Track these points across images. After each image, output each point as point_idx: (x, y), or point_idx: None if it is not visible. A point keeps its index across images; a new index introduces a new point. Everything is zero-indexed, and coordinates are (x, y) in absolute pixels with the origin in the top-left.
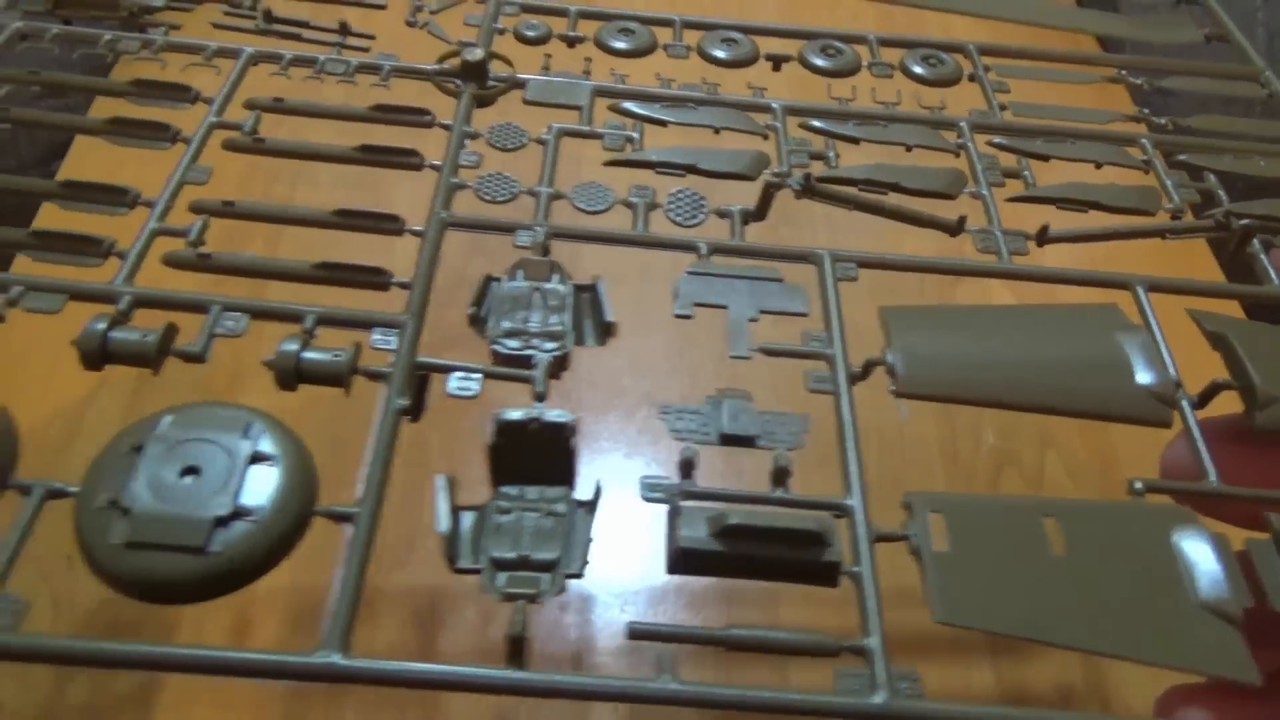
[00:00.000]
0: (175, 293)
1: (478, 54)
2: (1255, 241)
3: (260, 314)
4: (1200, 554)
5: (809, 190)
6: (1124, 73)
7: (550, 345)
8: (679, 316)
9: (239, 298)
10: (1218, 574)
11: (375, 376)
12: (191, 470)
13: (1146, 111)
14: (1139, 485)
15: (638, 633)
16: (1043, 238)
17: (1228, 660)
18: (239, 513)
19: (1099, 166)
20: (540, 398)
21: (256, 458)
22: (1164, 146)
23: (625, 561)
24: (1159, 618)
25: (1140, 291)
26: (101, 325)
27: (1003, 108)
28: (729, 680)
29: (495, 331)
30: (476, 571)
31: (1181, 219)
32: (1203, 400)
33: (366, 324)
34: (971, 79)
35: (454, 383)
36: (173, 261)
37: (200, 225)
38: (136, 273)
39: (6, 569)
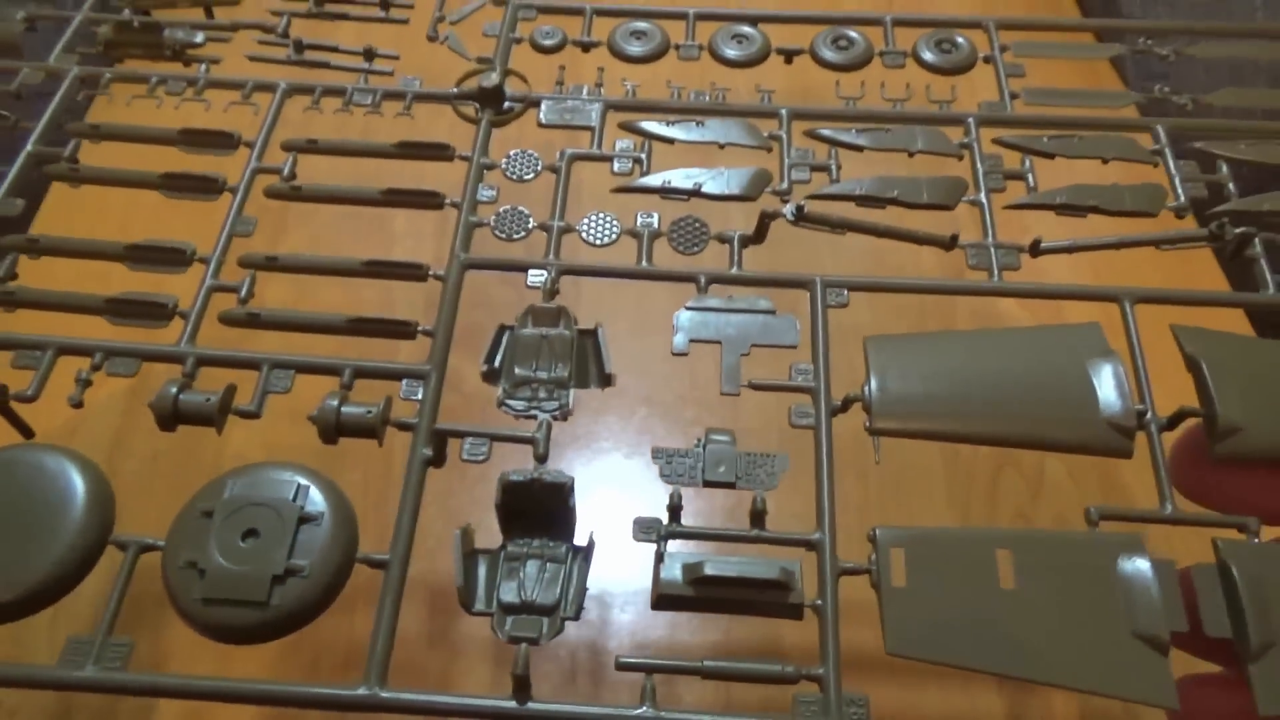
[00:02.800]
0: (232, 353)
1: (493, 79)
2: (1257, 243)
3: (304, 369)
4: (1140, 582)
5: (801, 219)
6: (1149, 42)
7: (551, 405)
8: (675, 354)
9: (285, 354)
10: (1153, 602)
11: (404, 427)
12: (252, 533)
13: (1166, 89)
14: (1093, 513)
15: (624, 665)
16: (1035, 250)
17: (1152, 688)
18: (291, 570)
19: (1106, 162)
20: (542, 459)
21: (304, 519)
22: (1178, 132)
23: (625, 563)
24: (1095, 646)
25: (1126, 305)
26: (173, 390)
27: (1014, 95)
28: (728, 693)
29: (503, 393)
30: (489, 614)
31: (1185, 216)
32: (1171, 425)
33: (396, 376)
34: (987, 60)
35: (466, 449)
36: (228, 320)
37: (249, 281)
38: (198, 331)
39: (114, 617)
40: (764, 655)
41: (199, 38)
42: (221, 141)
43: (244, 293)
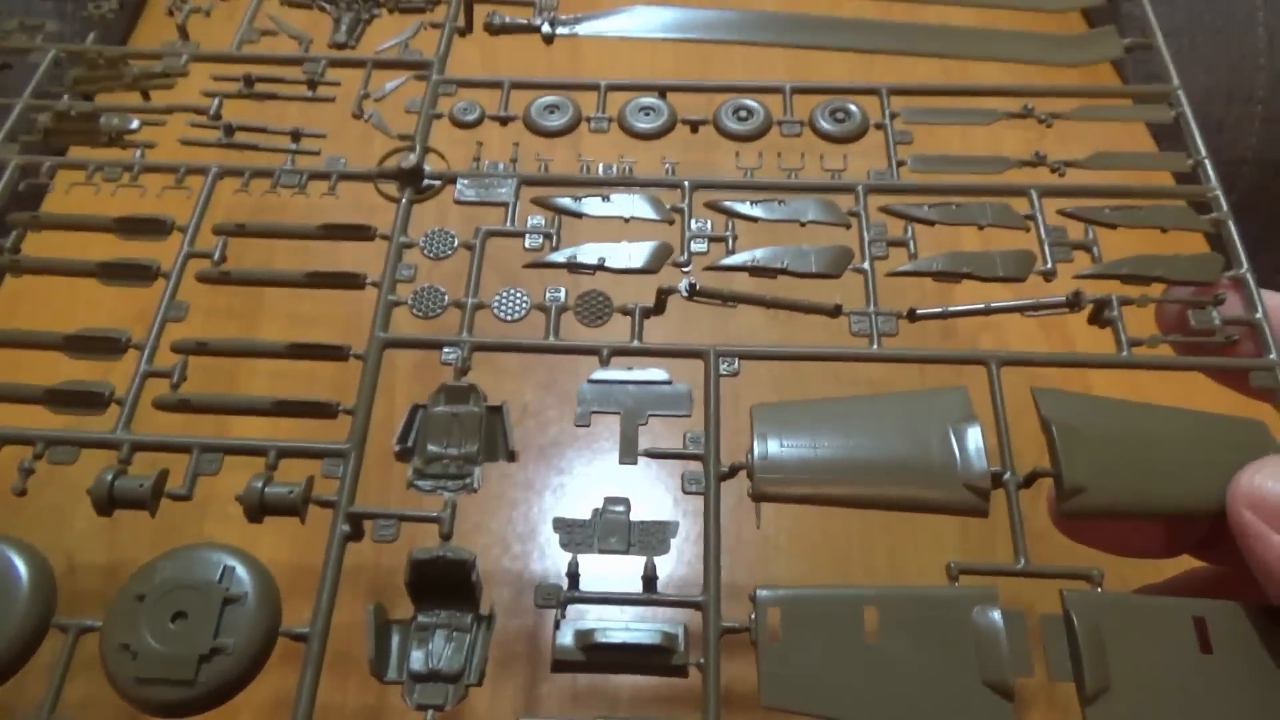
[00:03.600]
0: (164, 437)
1: (412, 160)
2: (1114, 305)
3: (232, 451)
4: (991, 633)
5: (694, 295)
6: (1029, 107)
7: (455, 484)
8: (578, 425)
9: (213, 439)
10: (1002, 651)
11: (324, 505)
12: (180, 615)
13: (1042, 155)
14: (953, 568)
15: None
16: (913, 316)
17: None
18: (217, 649)
19: (981, 229)
20: (446, 537)
21: (229, 599)
22: (1051, 196)
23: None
24: (948, 697)
25: (993, 368)
26: (108, 477)
27: (901, 163)
28: None
29: (413, 472)
30: (399, 683)
31: (1052, 280)
32: (1027, 483)
33: (317, 455)
34: (879, 127)
35: (377, 531)
36: (161, 405)
37: (181, 365)
38: (134, 417)
39: (56, 697)
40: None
41: (134, 123)
42: (155, 228)
43: (176, 378)
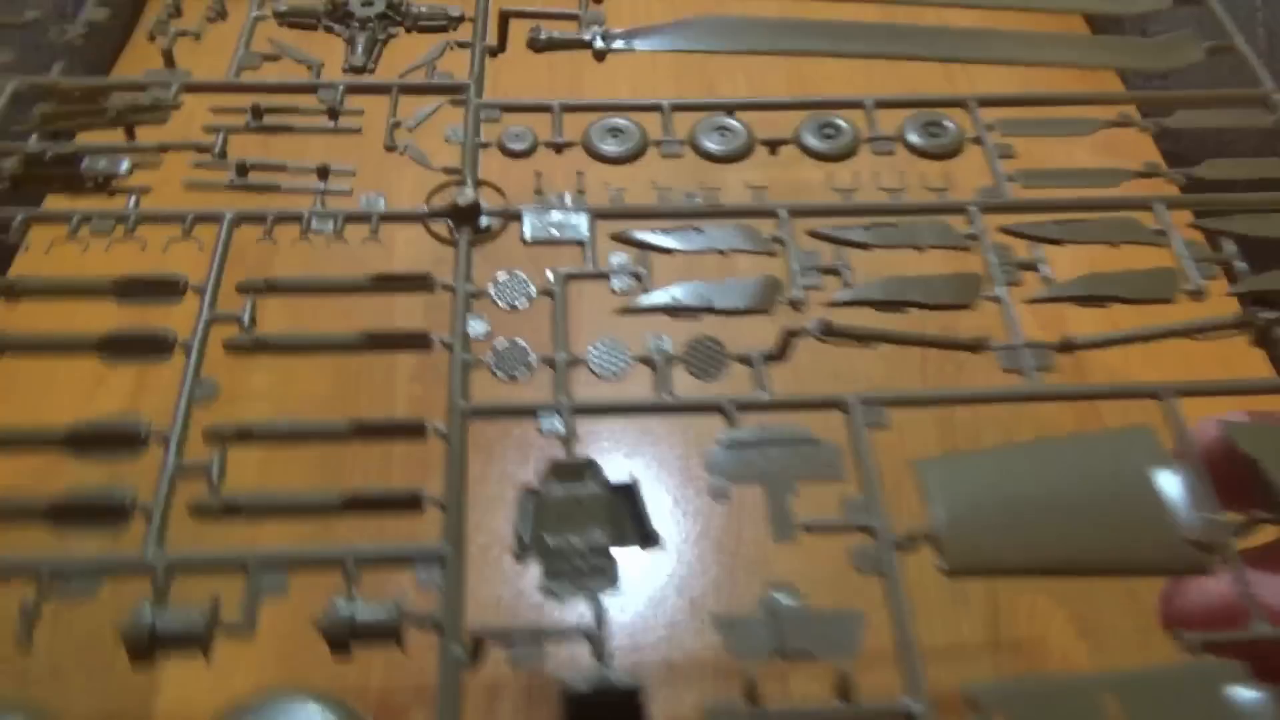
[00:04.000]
0: (211, 554)
1: (469, 196)
2: None
3: (300, 564)
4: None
5: (828, 333)
6: (1126, 114)
7: (599, 581)
8: (716, 500)
9: (273, 548)
10: None
11: (428, 624)
12: None
13: (1156, 164)
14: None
15: None
16: (1068, 347)
17: None
18: None
19: (1115, 246)
20: (603, 656)
21: None
22: (1178, 207)
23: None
24: None
25: (1171, 403)
26: (147, 612)
27: (1009, 178)
28: None
29: (544, 576)
30: None
31: (1201, 298)
32: (1240, 531)
33: (406, 559)
34: (975, 141)
35: (515, 653)
36: (200, 512)
37: (219, 459)
38: (164, 534)
39: None
40: None
41: (124, 165)
42: (165, 289)
43: (215, 475)
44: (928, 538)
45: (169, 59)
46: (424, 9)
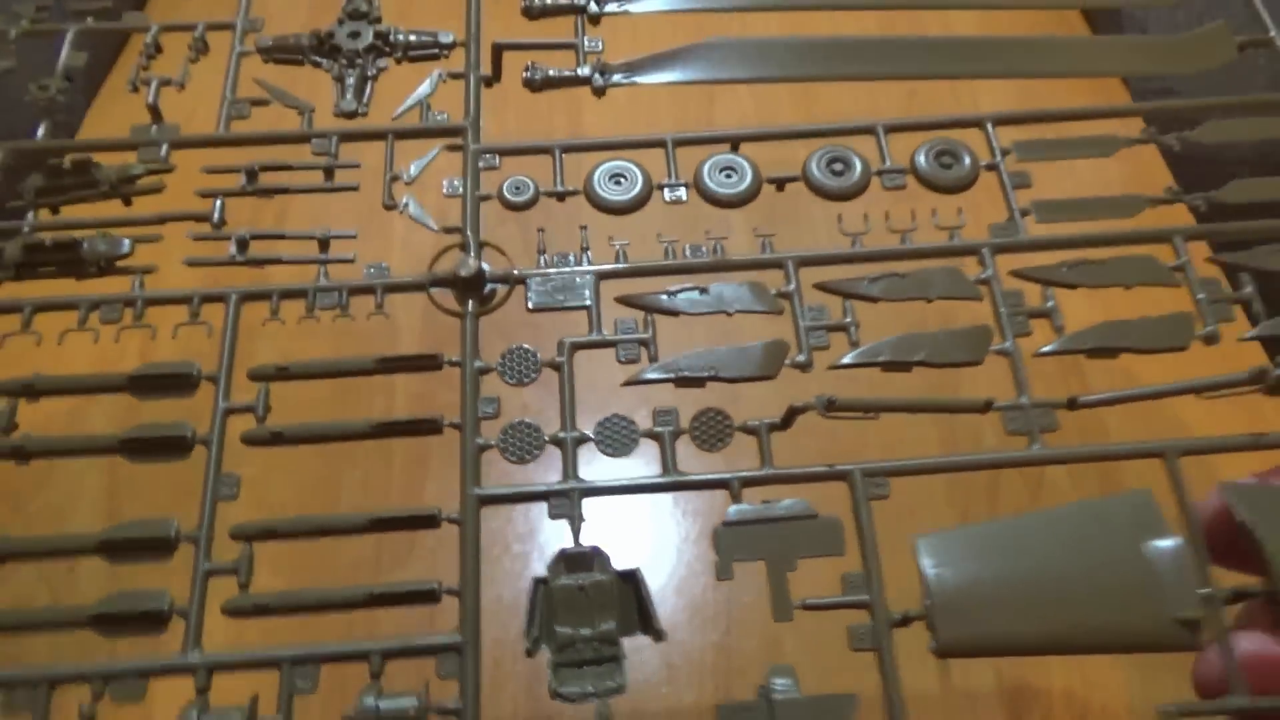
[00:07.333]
0: (247, 654)
1: (471, 267)
2: None
3: (329, 659)
4: None
5: (832, 410)
6: (1152, 130)
7: (610, 682)
8: (720, 579)
9: (303, 646)
10: None
11: (449, 714)
12: None
13: (1177, 189)
14: (1170, 709)
15: None
16: (1073, 405)
17: None
18: None
19: (1128, 288)
20: None
21: None
22: (1197, 239)
23: None
24: None
25: (1173, 461)
26: (194, 716)
27: (1024, 211)
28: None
29: (552, 667)
30: None
31: (1215, 343)
32: (1233, 601)
33: (429, 652)
34: (990, 169)
35: None
36: (233, 611)
37: (247, 556)
38: (201, 632)
39: None
40: None
41: (126, 245)
42: (179, 383)
43: (244, 576)
44: (922, 616)
45: (156, 113)
46: (413, 37)
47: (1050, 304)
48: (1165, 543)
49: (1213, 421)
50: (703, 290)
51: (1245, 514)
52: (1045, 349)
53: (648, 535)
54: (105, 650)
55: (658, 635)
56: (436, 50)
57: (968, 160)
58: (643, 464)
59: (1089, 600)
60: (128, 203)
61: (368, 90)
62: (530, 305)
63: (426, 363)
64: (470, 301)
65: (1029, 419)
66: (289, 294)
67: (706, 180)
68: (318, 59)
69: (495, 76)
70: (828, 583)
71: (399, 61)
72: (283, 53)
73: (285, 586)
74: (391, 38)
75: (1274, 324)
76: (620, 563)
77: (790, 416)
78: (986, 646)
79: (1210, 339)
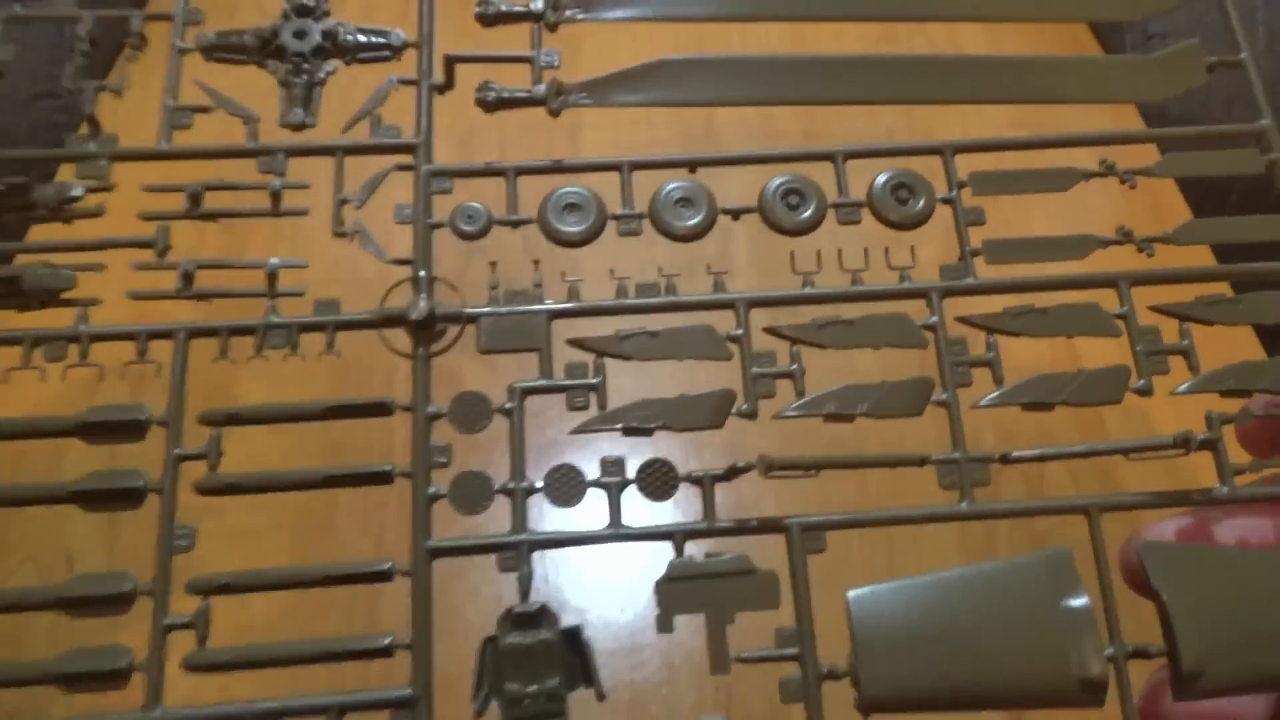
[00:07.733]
0: (206, 709)
1: (422, 310)
2: (1215, 424)
3: (289, 714)
4: None
5: (771, 469)
6: (1107, 163)
7: None
8: (660, 631)
9: (265, 702)
10: None
11: None
12: None
13: (1129, 230)
14: None
15: None
16: (1005, 459)
17: None
18: None
19: (1070, 337)
20: None
21: None
22: (1144, 284)
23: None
24: None
25: (1094, 516)
26: None
27: (975, 253)
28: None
29: None
30: None
31: (1149, 396)
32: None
33: (383, 706)
34: (946, 202)
35: None
36: (193, 666)
37: (204, 611)
38: (162, 688)
39: None
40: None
41: (67, 276)
42: (130, 429)
43: (201, 630)
44: (848, 672)
45: (94, 123)
46: (363, 37)
47: (991, 355)
48: (1076, 601)
49: (1145, 475)
50: (653, 334)
51: (1155, 575)
52: (982, 402)
53: (601, 577)
54: (63, 705)
55: (600, 695)
56: (388, 53)
57: (923, 198)
58: (593, 514)
59: (1004, 657)
60: (68, 222)
61: (315, 100)
62: (481, 347)
63: (377, 410)
64: (421, 345)
65: (962, 473)
66: (238, 330)
67: (663, 214)
68: (263, 61)
69: (448, 83)
70: (768, 633)
71: (348, 64)
72: (226, 51)
73: (248, 639)
74: (340, 39)
75: (1206, 379)
76: (565, 620)
77: (732, 473)
78: (909, 701)
79: (1144, 392)
